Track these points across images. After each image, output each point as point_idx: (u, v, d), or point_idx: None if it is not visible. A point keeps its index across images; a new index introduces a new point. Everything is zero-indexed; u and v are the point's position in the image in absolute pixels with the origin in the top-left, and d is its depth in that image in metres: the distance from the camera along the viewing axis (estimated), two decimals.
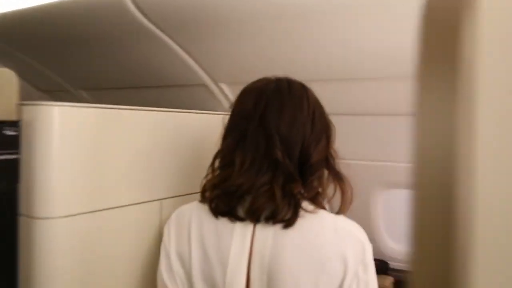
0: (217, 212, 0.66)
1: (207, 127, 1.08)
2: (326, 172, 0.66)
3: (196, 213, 0.69)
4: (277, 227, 0.62)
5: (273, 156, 0.62)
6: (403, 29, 1.01)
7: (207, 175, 0.71)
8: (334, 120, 0.73)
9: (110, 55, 1.44)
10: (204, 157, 1.03)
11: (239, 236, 0.63)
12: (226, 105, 1.71)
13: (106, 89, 1.72)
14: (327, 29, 1.11)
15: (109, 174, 0.79)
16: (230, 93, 1.69)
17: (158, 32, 1.26)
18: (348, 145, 1.25)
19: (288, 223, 0.61)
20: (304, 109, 0.66)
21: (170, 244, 0.69)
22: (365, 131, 1.41)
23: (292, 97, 0.66)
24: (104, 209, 0.76)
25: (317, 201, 0.64)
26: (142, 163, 0.84)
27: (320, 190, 0.65)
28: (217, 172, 0.69)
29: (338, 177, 0.66)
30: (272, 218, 0.61)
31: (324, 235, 0.60)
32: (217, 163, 0.71)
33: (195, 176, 1.01)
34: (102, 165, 0.77)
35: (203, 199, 0.70)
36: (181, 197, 0.95)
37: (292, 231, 0.61)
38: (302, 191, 0.63)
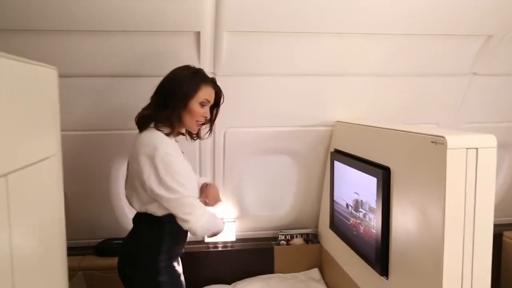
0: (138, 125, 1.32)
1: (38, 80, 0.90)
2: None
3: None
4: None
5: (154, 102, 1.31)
6: None
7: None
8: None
9: None
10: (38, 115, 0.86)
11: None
12: None
13: None
14: None
15: None
16: None
17: None
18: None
19: (140, 131, 1.30)
20: (182, 84, 1.29)
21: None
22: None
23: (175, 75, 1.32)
24: None
25: (159, 127, 1.28)
26: None
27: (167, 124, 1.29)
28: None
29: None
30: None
31: (146, 140, 1.24)
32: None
33: (36, 137, 0.84)
34: None
35: None
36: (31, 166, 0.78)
37: (141, 136, 1.27)
38: (154, 118, 1.29)
